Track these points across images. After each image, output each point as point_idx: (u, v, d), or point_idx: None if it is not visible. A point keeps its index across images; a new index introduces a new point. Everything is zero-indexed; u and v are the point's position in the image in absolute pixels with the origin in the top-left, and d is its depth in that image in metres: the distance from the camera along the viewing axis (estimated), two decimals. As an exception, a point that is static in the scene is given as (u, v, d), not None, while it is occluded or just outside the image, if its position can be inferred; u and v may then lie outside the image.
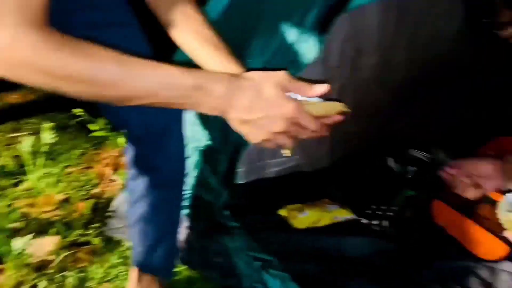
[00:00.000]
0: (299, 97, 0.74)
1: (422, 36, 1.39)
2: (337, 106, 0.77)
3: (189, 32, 0.89)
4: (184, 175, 1.14)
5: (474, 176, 1.01)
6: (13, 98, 2.44)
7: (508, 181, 1.04)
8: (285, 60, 1.08)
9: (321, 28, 1.04)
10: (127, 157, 1.12)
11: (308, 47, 1.05)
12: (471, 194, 1.01)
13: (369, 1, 1.00)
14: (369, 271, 1.28)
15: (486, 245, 1.32)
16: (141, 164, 1.10)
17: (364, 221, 1.53)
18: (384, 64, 1.41)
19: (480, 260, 1.33)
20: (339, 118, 0.76)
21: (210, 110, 0.70)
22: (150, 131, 1.04)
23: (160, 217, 1.16)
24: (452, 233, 1.41)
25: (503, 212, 1.00)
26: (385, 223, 1.51)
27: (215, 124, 1.20)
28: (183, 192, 1.16)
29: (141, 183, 1.12)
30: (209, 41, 0.88)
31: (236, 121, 0.72)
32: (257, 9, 1.13)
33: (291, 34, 1.07)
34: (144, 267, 1.21)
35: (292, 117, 0.70)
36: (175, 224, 1.19)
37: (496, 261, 1.31)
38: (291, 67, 1.06)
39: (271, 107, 0.69)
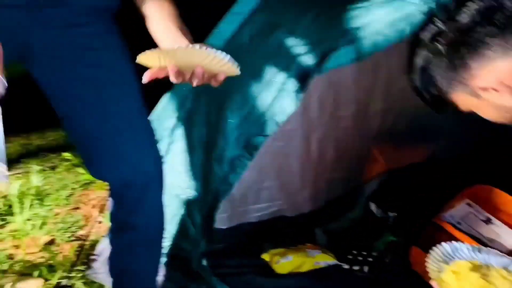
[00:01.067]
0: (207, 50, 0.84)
1: (395, 88, 1.46)
2: (233, 69, 0.88)
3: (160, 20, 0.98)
4: (162, 232, 1.13)
5: None
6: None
7: None
8: (263, 116, 1.11)
9: (299, 87, 1.08)
10: (109, 210, 1.14)
11: (285, 104, 1.09)
12: None
13: (345, 62, 1.04)
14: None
15: (460, 293, 1.34)
16: (120, 220, 1.10)
17: (346, 266, 1.55)
18: (361, 114, 1.47)
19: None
20: (224, 76, 0.90)
21: None
22: (128, 189, 1.04)
23: (137, 271, 1.15)
24: (429, 280, 1.42)
25: (433, 260, 0.89)
26: (366, 268, 1.53)
27: (196, 173, 1.24)
28: (162, 248, 1.15)
29: (119, 239, 1.12)
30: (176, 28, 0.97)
31: None
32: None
33: (269, 91, 1.12)
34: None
35: None
36: (153, 276, 1.18)
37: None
38: (269, 123, 1.10)
39: None
